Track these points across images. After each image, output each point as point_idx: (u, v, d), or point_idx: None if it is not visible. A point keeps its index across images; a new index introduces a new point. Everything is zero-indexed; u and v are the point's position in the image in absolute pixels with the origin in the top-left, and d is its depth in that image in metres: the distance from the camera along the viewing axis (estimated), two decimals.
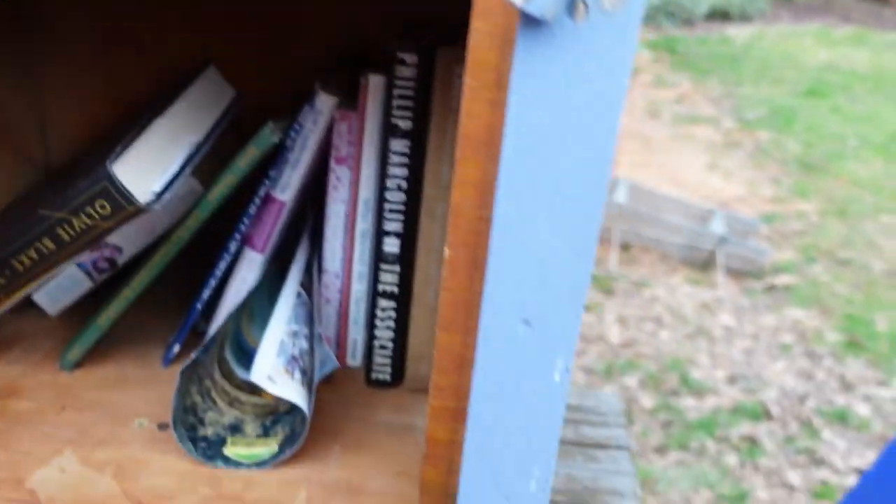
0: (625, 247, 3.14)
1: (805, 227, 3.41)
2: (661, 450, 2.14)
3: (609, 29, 0.28)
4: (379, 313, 0.60)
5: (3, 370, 0.62)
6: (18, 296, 0.59)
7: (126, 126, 0.54)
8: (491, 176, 0.35)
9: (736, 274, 3.04)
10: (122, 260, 0.66)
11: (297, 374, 0.54)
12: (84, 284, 0.66)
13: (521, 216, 0.32)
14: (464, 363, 0.38)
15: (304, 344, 0.57)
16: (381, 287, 0.59)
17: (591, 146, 0.30)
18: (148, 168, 0.50)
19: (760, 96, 4.96)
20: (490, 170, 0.35)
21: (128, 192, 0.47)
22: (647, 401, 2.34)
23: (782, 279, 3.01)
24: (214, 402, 0.57)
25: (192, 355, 0.52)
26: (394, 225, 0.57)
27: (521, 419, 0.36)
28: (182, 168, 0.52)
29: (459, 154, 0.35)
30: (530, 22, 0.29)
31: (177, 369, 0.62)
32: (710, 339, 2.66)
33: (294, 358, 0.55)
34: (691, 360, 2.54)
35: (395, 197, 0.56)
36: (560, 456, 0.61)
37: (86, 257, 0.65)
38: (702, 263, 3.08)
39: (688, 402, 2.34)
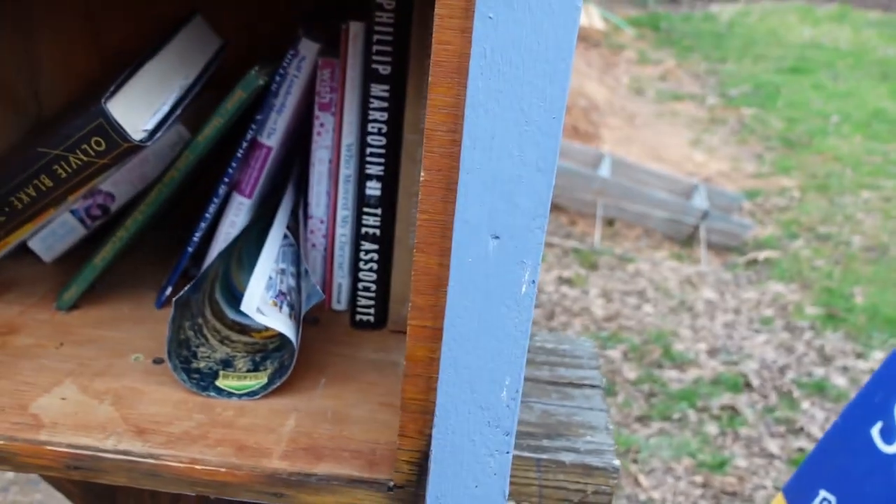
0: (609, 222, 3.17)
1: (787, 202, 3.46)
2: (643, 419, 2.19)
3: None
4: (363, 256, 0.63)
5: (1, 311, 0.64)
6: (17, 236, 0.61)
7: (116, 73, 0.57)
8: (461, 101, 0.37)
9: (718, 249, 3.09)
10: (114, 207, 0.68)
11: (285, 308, 0.57)
12: (78, 231, 0.69)
13: (488, 137, 0.35)
14: (440, 284, 0.41)
15: (292, 282, 0.60)
16: (364, 230, 0.62)
17: (550, 66, 0.33)
18: (140, 107, 0.53)
19: (744, 73, 5.00)
20: (461, 95, 0.37)
21: (122, 128, 0.50)
22: (631, 373, 2.38)
23: (764, 254, 3.06)
24: (206, 338, 0.60)
25: (185, 290, 0.55)
26: (375, 168, 0.60)
27: (493, 331, 0.39)
28: (172, 109, 0.55)
29: (432, 81, 0.37)
30: None
31: (169, 310, 0.65)
32: (692, 312, 2.71)
33: (282, 293, 0.58)
34: (674, 333, 2.59)
35: (377, 141, 0.59)
36: (536, 394, 0.64)
37: (79, 204, 0.67)
38: (685, 238, 3.12)
39: (670, 374, 2.38)
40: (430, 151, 0.38)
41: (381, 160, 0.60)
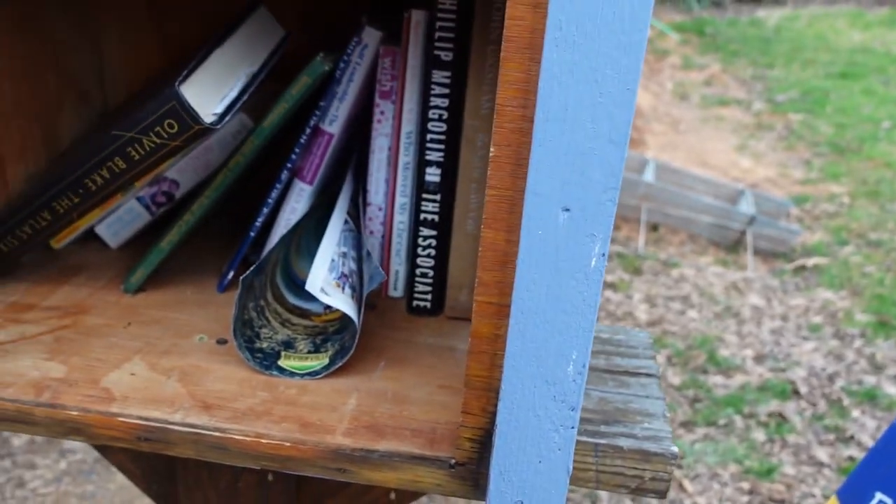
0: (653, 227, 3.15)
1: (836, 208, 3.40)
2: (688, 425, 2.16)
3: None
4: (420, 242, 0.64)
5: (71, 292, 0.66)
6: (87, 221, 0.63)
7: (183, 63, 0.58)
8: (533, 77, 0.38)
9: (765, 255, 3.04)
10: (179, 194, 0.70)
11: (348, 290, 0.58)
12: (143, 217, 0.71)
13: (561, 108, 0.35)
14: (507, 260, 0.42)
15: (353, 265, 0.61)
16: (422, 216, 0.63)
17: (626, 36, 0.33)
18: (210, 92, 0.54)
19: (792, 79, 4.92)
20: (532, 71, 0.38)
21: (194, 111, 0.51)
22: (675, 378, 2.36)
23: (812, 260, 3.00)
24: (268, 320, 0.61)
25: (249, 271, 0.56)
26: (435, 155, 0.61)
27: (561, 304, 0.39)
28: (239, 95, 0.56)
29: (504, 56, 0.38)
30: None
31: (232, 294, 0.67)
32: (738, 318, 2.67)
33: (344, 275, 0.59)
34: (719, 338, 2.55)
35: (437, 127, 0.60)
36: (593, 381, 0.64)
37: (145, 191, 0.69)
38: (731, 244, 3.08)
39: (716, 380, 2.35)
40: (501, 127, 0.39)
41: (441, 146, 0.60)
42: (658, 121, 4.34)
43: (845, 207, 3.41)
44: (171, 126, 0.52)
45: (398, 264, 0.68)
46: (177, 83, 0.51)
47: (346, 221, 0.63)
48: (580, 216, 0.37)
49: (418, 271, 0.65)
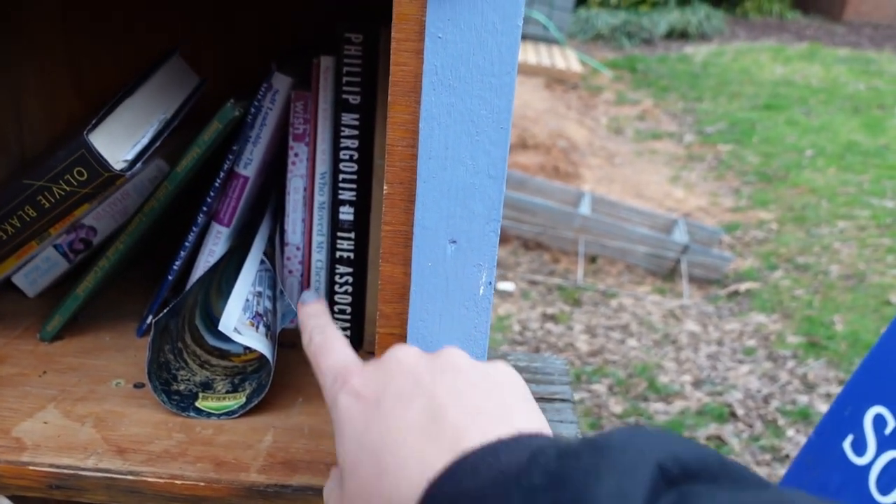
0: (591, 258, 3.21)
1: (765, 234, 3.52)
2: None
3: None
4: (338, 280, 0.65)
5: None
6: (1, 272, 0.63)
7: (98, 110, 0.59)
8: (418, 118, 0.40)
9: (700, 282, 3.13)
10: (96, 240, 0.70)
11: (262, 328, 0.59)
12: (61, 265, 0.71)
13: (442, 147, 0.38)
14: (405, 292, 0.44)
15: (268, 304, 0.62)
16: (338, 254, 0.65)
17: (496, 79, 0.36)
18: (121, 139, 0.55)
19: (719, 111, 5.10)
20: (417, 112, 0.40)
21: (103, 158, 0.52)
22: (617, 406, 2.40)
23: (744, 285, 3.10)
24: (186, 362, 0.61)
25: (164, 312, 0.57)
26: (348, 194, 0.62)
27: (453, 332, 0.41)
28: (152, 141, 0.57)
29: (391, 100, 0.40)
30: None
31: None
32: (676, 345, 2.73)
33: (258, 314, 0.60)
34: (659, 365, 2.61)
35: (348, 168, 0.62)
36: None
37: (62, 239, 0.69)
38: (667, 273, 3.16)
39: (656, 406, 2.40)
40: (392, 166, 0.41)
41: (353, 186, 0.62)
42: (594, 155, 4.44)
43: (774, 233, 3.53)
44: (80, 174, 0.53)
45: None
46: (86, 131, 0.52)
47: (262, 262, 0.64)
48: (466, 247, 0.39)
49: (336, 308, 0.66)
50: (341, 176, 0.62)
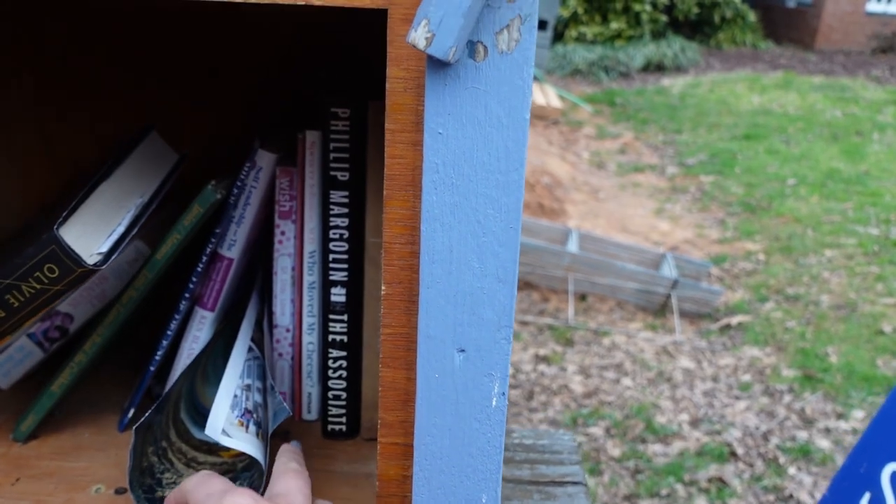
0: (581, 296, 3.18)
1: (753, 266, 3.51)
2: (631, 498, 2.14)
3: (507, 67, 0.31)
4: (331, 364, 0.62)
5: None
6: None
7: (71, 193, 0.56)
8: (418, 213, 0.37)
9: (691, 316, 3.10)
10: (73, 327, 0.66)
11: (252, 427, 0.55)
12: (36, 355, 0.67)
13: (446, 250, 0.34)
14: (409, 399, 0.40)
15: (258, 397, 0.58)
16: (331, 337, 0.61)
17: (503, 176, 0.33)
18: (95, 229, 0.52)
19: (700, 142, 5.14)
20: (417, 207, 0.37)
21: (75, 254, 0.48)
22: (615, 449, 2.35)
23: (736, 318, 3.07)
24: (171, 463, 0.57)
25: (147, 414, 0.53)
26: (339, 275, 0.59)
27: (465, 447, 0.38)
28: (128, 229, 0.54)
29: (387, 194, 0.37)
30: (436, 64, 0.32)
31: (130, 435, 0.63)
32: (671, 383, 2.70)
33: (248, 411, 0.56)
34: (655, 405, 2.57)
35: (339, 247, 0.58)
36: (517, 495, 0.62)
37: (36, 327, 0.65)
38: (657, 308, 3.13)
39: (655, 448, 2.35)
40: (390, 265, 0.38)
41: (345, 266, 0.59)
42: (577, 190, 4.45)
43: (762, 264, 3.52)
44: (51, 270, 0.49)
45: (310, 386, 0.65)
46: (55, 226, 0.48)
47: (250, 349, 0.61)
48: (476, 356, 0.36)
49: (331, 394, 0.63)
50: (331, 256, 0.59)
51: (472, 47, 0.31)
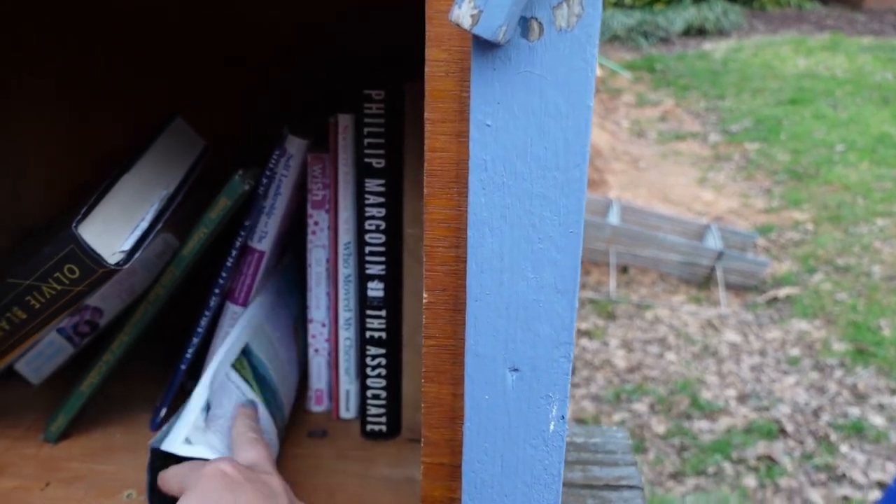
0: (623, 269, 3.12)
1: (801, 236, 3.40)
2: (677, 476, 2.09)
3: (567, 47, 0.27)
4: (369, 361, 0.58)
5: None
6: (2, 363, 0.57)
7: (93, 186, 0.53)
8: (464, 213, 0.33)
9: (737, 289, 3.02)
10: (103, 322, 0.63)
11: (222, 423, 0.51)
12: (66, 350, 0.64)
13: (496, 258, 0.30)
14: (456, 416, 0.36)
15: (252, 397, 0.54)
16: (369, 334, 0.57)
17: (562, 174, 0.28)
18: (116, 227, 0.48)
19: (744, 108, 4.99)
20: (463, 206, 0.33)
21: (96, 253, 0.45)
22: (660, 426, 2.30)
23: (784, 291, 2.98)
24: None
25: (162, 429, 0.50)
26: (376, 268, 0.55)
27: (519, 475, 0.34)
28: (153, 224, 0.51)
29: (427, 192, 0.33)
30: (483, 46, 0.28)
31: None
32: (717, 357, 2.63)
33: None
34: (700, 380, 2.50)
35: (375, 239, 0.54)
36: (570, 501, 0.58)
37: (66, 322, 0.63)
38: (701, 280, 3.05)
39: (701, 425, 2.29)
40: (433, 270, 0.34)
41: (382, 259, 0.55)
42: (617, 160, 4.35)
43: (810, 234, 3.41)
44: (71, 271, 0.46)
45: (348, 383, 0.62)
46: (74, 223, 0.45)
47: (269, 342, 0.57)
48: (531, 376, 0.32)
49: (370, 392, 0.59)
50: (367, 248, 0.55)
51: (525, 24, 0.27)
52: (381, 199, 0.54)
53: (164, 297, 0.56)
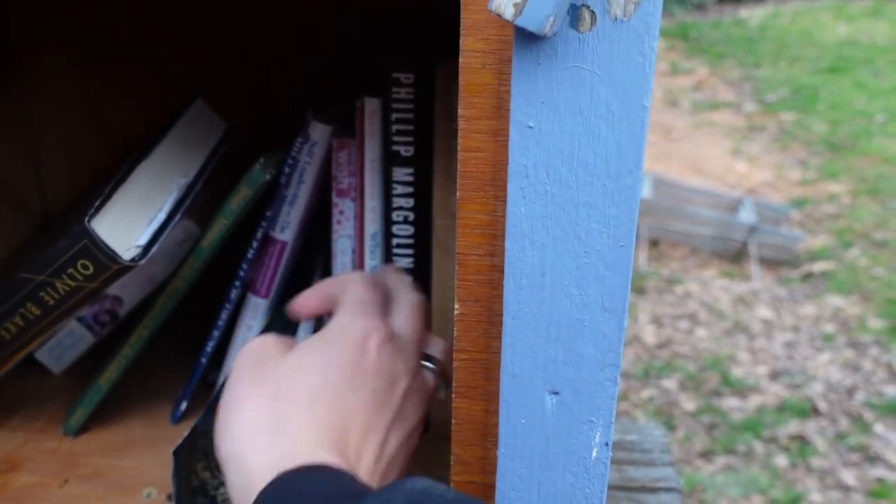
0: (653, 243, 3.07)
1: (837, 209, 3.32)
2: (706, 455, 2.07)
3: (622, 39, 0.23)
4: None
5: (4, 439, 0.58)
6: (15, 360, 0.55)
7: (114, 170, 0.51)
8: (500, 218, 0.30)
9: (770, 263, 2.96)
10: (123, 311, 0.62)
11: None
12: (87, 339, 0.63)
13: (537, 273, 0.27)
14: (488, 433, 0.34)
15: None
16: None
17: (612, 182, 0.25)
18: (132, 219, 0.46)
19: (780, 77, 4.86)
20: (499, 210, 0.30)
21: (110, 249, 0.43)
22: (689, 403, 2.27)
23: (818, 266, 2.92)
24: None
25: (184, 436, 0.48)
26: (404, 261, 0.53)
27: (557, 503, 0.31)
28: (171, 215, 0.48)
29: (460, 196, 0.30)
30: (527, 38, 0.24)
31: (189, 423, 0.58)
32: (748, 333, 2.58)
33: None
34: (731, 357, 2.46)
35: (403, 231, 0.52)
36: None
37: (86, 311, 0.61)
38: (734, 255, 2.99)
39: (731, 403, 2.26)
40: (465, 280, 0.31)
41: (410, 251, 0.52)
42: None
43: (846, 208, 3.33)
44: (85, 267, 0.44)
45: None
46: (87, 217, 0.43)
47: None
48: (573, 400, 0.29)
49: None
50: (395, 241, 0.52)
51: (575, 14, 0.24)
52: (410, 189, 0.51)
53: (182, 289, 0.54)
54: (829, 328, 2.59)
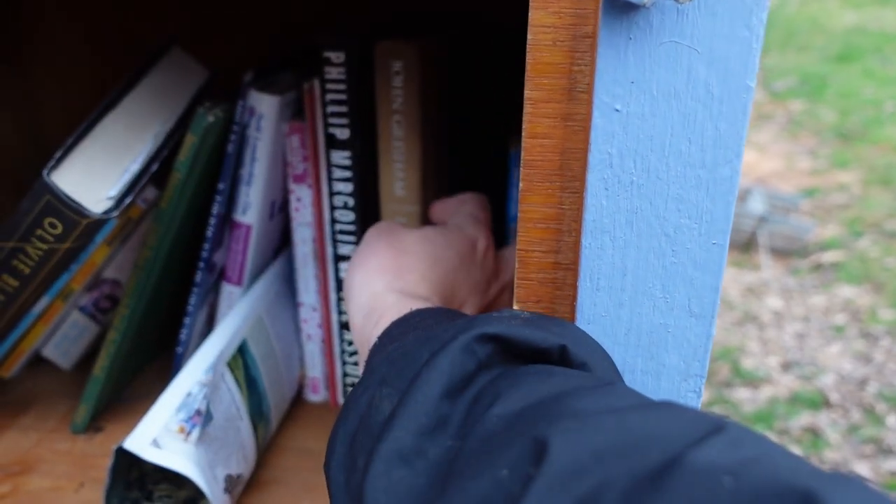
0: None
1: (848, 199, 3.29)
2: None
3: (728, 11, 0.21)
4: None
5: (16, 440, 0.56)
6: (27, 346, 0.52)
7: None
8: (567, 212, 0.27)
9: (780, 253, 2.93)
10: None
11: (195, 432, 0.46)
12: (91, 329, 0.60)
13: (617, 274, 0.25)
14: None
15: (233, 387, 0.49)
16: None
17: (708, 173, 0.23)
18: (101, 171, 0.43)
19: (788, 65, 4.82)
20: (566, 203, 0.27)
21: (74, 202, 0.40)
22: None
23: (829, 256, 2.89)
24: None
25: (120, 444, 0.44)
26: (347, 248, 0.50)
27: None
28: (146, 165, 0.45)
29: (523, 187, 0.27)
30: (618, 9, 0.22)
31: None
32: (758, 323, 2.56)
33: (198, 413, 0.46)
34: (741, 348, 2.44)
35: (345, 217, 0.49)
36: None
37: (86, 299, 0.58)
38: (743, 244, 2.97)
39: (742, 394, 2.23)
40: (526, 279, 0.28)
41: (353, 239, 0.50)
42: None
43: (857, 198, 3.29)
44: (53, 226, 0.41)
45: (344, 368, 0.57)
46: (46, 170, 0.40)
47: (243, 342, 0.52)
48: None
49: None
50: (337, 226, 0.50)
51: None
52: (348, 174, 0.48)
53: (153, 260, 0.50)
54: (840, 319, 2.56)
